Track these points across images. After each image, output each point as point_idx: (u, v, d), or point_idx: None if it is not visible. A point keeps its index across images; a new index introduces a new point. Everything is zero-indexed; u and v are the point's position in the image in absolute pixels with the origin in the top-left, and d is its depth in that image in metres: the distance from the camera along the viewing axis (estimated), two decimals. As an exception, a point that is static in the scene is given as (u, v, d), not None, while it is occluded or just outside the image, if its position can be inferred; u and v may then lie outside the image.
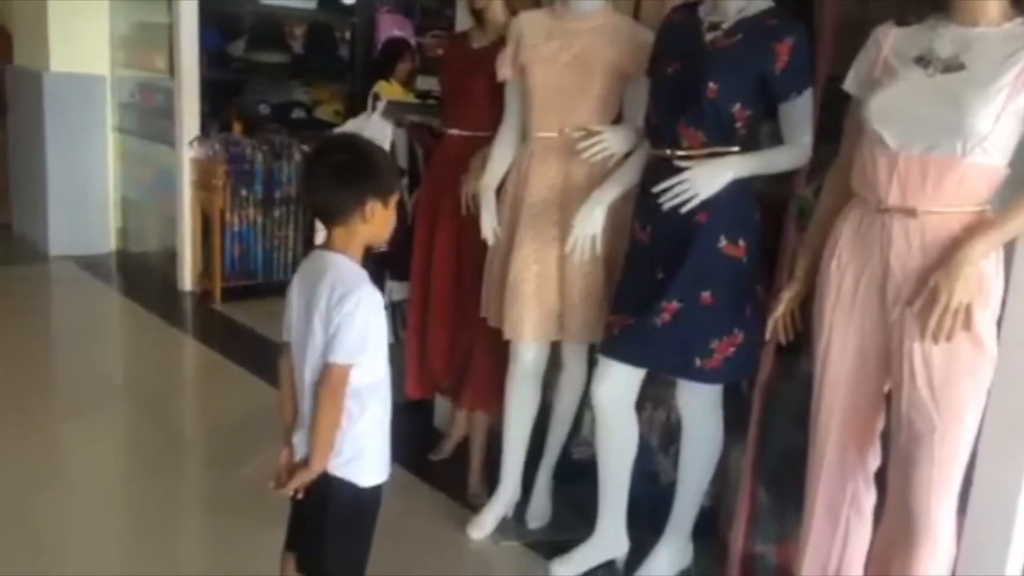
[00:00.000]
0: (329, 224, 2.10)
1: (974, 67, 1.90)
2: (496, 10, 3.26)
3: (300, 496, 2.08)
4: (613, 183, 2.70)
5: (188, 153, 5.66)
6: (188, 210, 5.75)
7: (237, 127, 5.89)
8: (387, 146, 3.71)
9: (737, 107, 2.40)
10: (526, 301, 2.87)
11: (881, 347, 2.08)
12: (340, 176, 2.05)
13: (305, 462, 2.08)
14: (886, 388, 2.13)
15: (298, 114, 6.29)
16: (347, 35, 6.43)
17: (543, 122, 2.87)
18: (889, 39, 2.07)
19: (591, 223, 2.67)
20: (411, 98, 5.63)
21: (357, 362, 2.03)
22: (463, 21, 3.61)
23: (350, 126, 3.94)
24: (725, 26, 2.43)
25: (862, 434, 2.17)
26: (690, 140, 2.45)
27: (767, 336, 2.35)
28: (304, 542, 2.13)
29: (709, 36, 2.45)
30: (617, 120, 2.86)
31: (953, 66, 1.92)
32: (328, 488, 2.05)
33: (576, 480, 3.26)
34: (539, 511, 3.17)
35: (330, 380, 2.02)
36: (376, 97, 3.87)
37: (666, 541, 2.81)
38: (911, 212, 1.97)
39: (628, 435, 2.72)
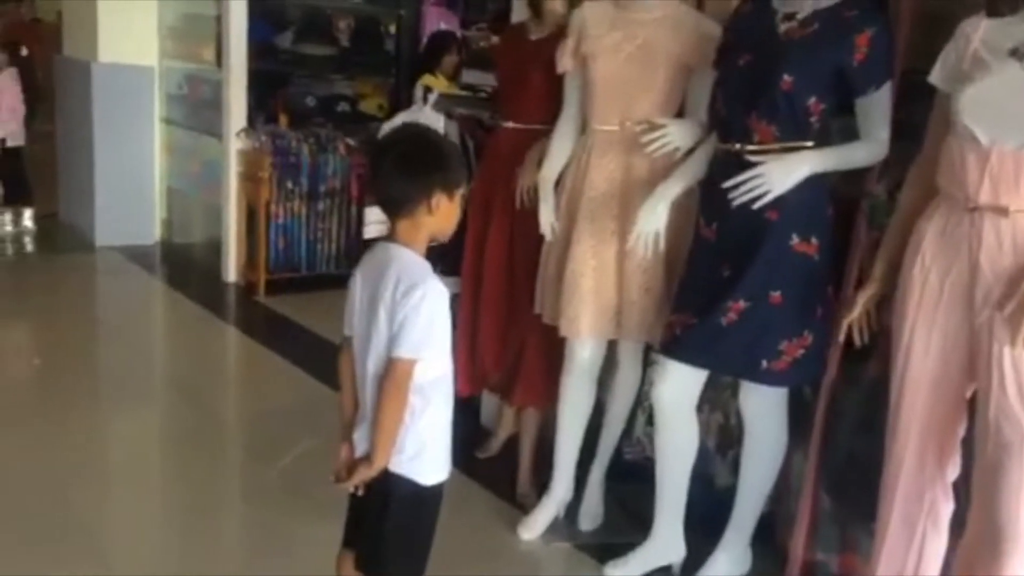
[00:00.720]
0: (394, 216, 2.06)
1: None
2: (555, 3, 3.20)
3: (360, 493, 2.03)
4: (677, 178, 2.63)
5: (235, 145, 5.66)
6: (234, 202, 5.74)
7: (283, 119, 5.88)
8: (439, 139, 3.67)
9: (812, 100, 2.32)
10: (584, 297, 2.80)
11: (966, 350, 2.00)
12: (407, 167, 2.00)
13: (366, 458, 2.03)
14: (969, 393, 2.05)
15: (343, 107, 6.26)
16: (393, 28, 6.39)
17: (604, 114, 2.80)
18: (979, 31, 1.98)
19: (654, 219, 2.60)
20: (458, 92, 5.61)
21: (422, 357, 1.98)
22: (520, 12, 3.55)
23: (402, 118, 3.90)
24: (800, 16, 2.35)
25: (942, 441, 2.09)
26: (762, 134, 2.37)
27: (840, 338, 2.27)
28: (363, 540, 2.08)
29: (783, 27, 2.37)
30: (680, 113, 2.79)
31: None
32: (389, 485, 2.00)
33: (628, 481, 3.19)
34: (591, 512, 3.11)
35: (395, 375, 1.98)
36: (428, 90, 3.82)
37: (725, 546, 2.74)
38: (1003, 211, 1.88)
39: (688, 437, 2.64)
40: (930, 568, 2.17)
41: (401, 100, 6.41)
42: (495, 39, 6.51)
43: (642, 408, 3.21)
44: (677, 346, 2.52)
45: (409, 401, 2.00)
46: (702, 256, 2.54)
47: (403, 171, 2.01)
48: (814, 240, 2.37)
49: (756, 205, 2.32)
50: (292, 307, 5.45)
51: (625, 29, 2.77)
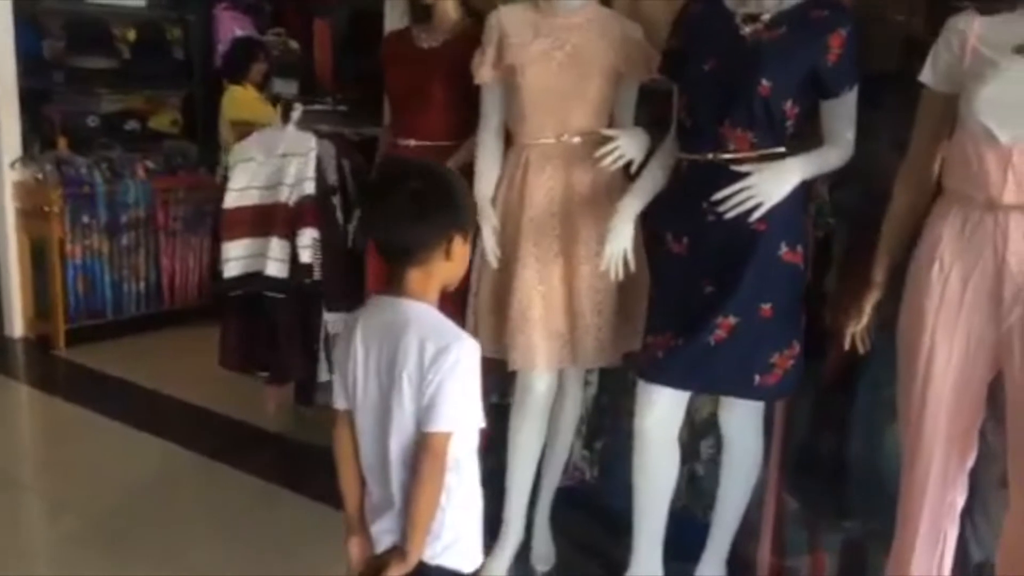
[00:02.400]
0: (402, 264, 1.75)
1: None
2: (448, 7, 2.94)
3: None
4: (637, 192, 2.47)
5: (10, 176, 4.87)
6: (13, 243, 4.96)
7: (63, 143, 5.13)
8: (311, 161, 3.30)
9: (788, 104, 2.24)
10: (535, 326, 2.59)
11: (991, 351, 1.99)
12: (420, 207, 1.71)
13: (396, 551, 1.73)
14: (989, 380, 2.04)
15: (132, 125, 5.58)
16: (180, 35, 5.77)
17: (538, 127, 2.60)
18: (974, 28, 1.97)
19: (622, 238, 2.43)
20: (265, 103, 5.15)
21: (460, 429, 1.70)
22: (393, 19, 3.25)
23: (258, 139, 3.48)
24: (765, 18, 2.26)
25: (965, 440, 2.08)
26: (737, 142, 2.26)
27: (846, 346, 2.22)
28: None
29: (747, 29, 2.27)
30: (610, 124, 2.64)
31: None
32: (425, 582, 1.71)
33: (571, 510, 3.02)
34: (543, 553, 2.90)
35: (432, 453, 1.69)
36: (288, 105, 3.41)
37: (705, 566, 2.64)
38: None
39: (672, 465, 2.50)
40: (949, 559, 2.17)
41: (197, 113, 5.84)
42: (294, 44, 6.10)
43: (578, 433, 3.05)
44: (661, 370, 2.37)
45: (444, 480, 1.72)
46: (673, 273, 2.40)
47: (417, 212, 1.71)
48: (799, 248, 2.30)
49: (753, 217, 2.21)
50: (100, 357, 4.80)
51: (552, 35, 2.58)
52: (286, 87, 5.75)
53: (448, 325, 1.75)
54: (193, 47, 5.73)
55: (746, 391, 2.37)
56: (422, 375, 1.69)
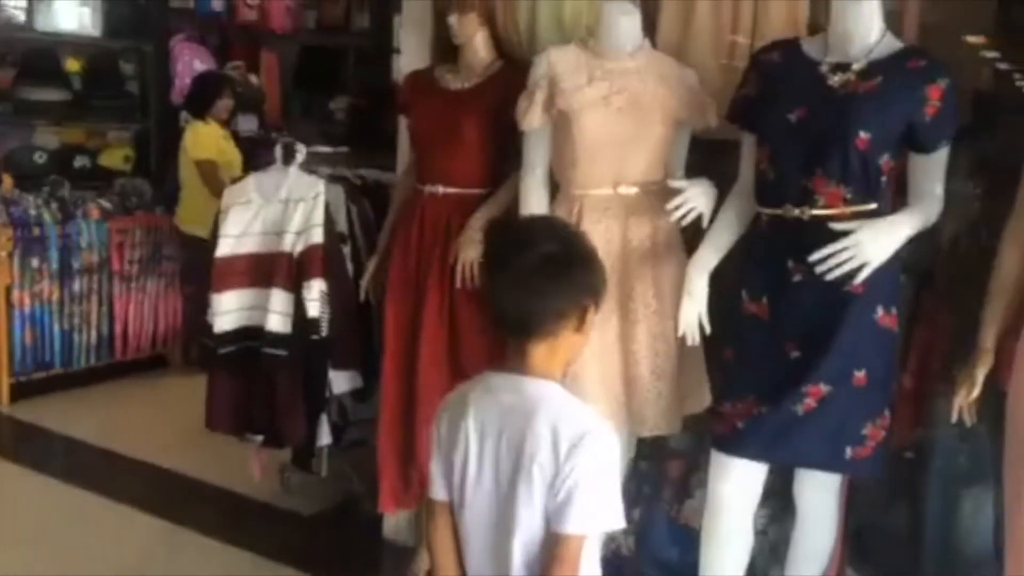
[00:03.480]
0: (527, 338, 1.54)
1: None
2: (479, 47, 2.75)
3: None
4: (711, 248, 2.31)
5: (-49, 217, 4.46)
6: (-47, 290, 4.52)
7: (7, 181, 4.73)
8: (320, 207, 3.05)
9: (885, 158, 2.12)
10: (591, 389, 2.39)
11: None
12: (555, 274, 1.51)
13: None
14: None
15: (82, 162, 5.19)
16: (135, 68, 5.42)
17: (593, 177, 2.43)
18: None
19: (698, 299, 2.27)
20: (229, 140, 4.87)
21: (601, 528, 1.49)
22: (410, 57, 3.03)
23: (255, 182, 3.20)
24: (856, 67, 2.13)
25: None
26: (829, 197, 2.12)
27: (953, 419, 2.08)
28: None
29: (837, 79, 2.14)
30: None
31: None
32: None
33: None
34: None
35: (567, 557, 1.49)
36: (289, 147, 3.15)
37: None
38: None
39: (745, 539, 2.32)
40: None
41: (151, 150, 5.49)
42: (253, 78, 5.83)
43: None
44: (742, 442, 2.20)
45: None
46: (753, 336, 2.23)
47: (552, 279, 1.51)
48: (893, 311, 2.16)
49: (858, 280, 2.06)
50: (47, 413, 4.41)
51: (609, 80, 2.42)
52: (246, 123, 5.48)
53: (582, 408, 1.54)
54: (149, 80, 5.38)
55: (837, 465, 2.21)
56: (557, 467, 1.48)
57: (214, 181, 4.42)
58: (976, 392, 2.06)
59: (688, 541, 2.64)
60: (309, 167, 3.23)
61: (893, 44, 2.16)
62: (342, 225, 3.10)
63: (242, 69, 5.65)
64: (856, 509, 2.55)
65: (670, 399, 2.44)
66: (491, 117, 2.68)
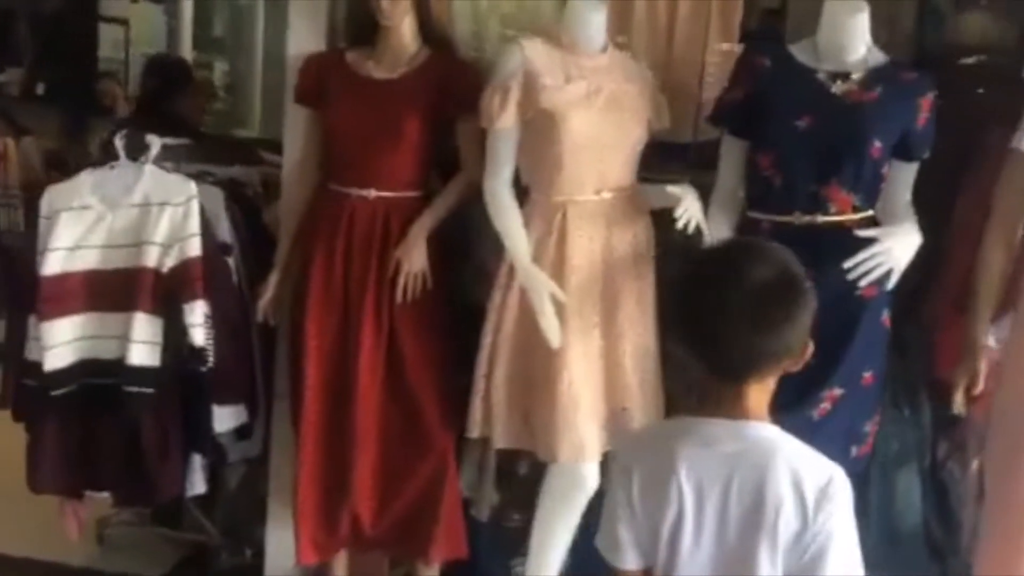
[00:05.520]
0: (748, 379, 1.37)
1: None
2: (406, 33, 2.44)
3: None
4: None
5: None
6: None
7: None
8: (193, 213, 2.54)
9: (887, 166, 2.20)
10: (587, 411, 2.25)
11: None
12: (783, 304, 1.36)
13: None
14: None
15: None
16: None
17: (578, 181, 2.28)
18: None
19: None
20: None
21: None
22: (305, 38, 2.60)
23: (91, 182, 2.58)
24: (857, 77, 2.18)
25: None
26: (840, 203, 2.16)
27: (956, 411, 2.22)
28: None
29: (839, 87, 2.18)
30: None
31: None
32: None
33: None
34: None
35: None
36: (136, 139, 2.57)
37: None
38: None
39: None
40: None
41: None
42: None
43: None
44: (761, 451, 2.17)
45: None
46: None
47: (782, 311, 1.36)
48: (888, 312, 2.25)
49: (890, 285, 2.12)
50: None
51: (585, 78, 2.27)
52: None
53: (813, 451, 1.41)
54: None
55: (846, 465, 2.22)
56: (805, 520, 1.34)
57: None
58: (981, 385, 2.21)
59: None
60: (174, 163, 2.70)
61: (879, 54, 2.24)
62: (224, 234, 2.61)
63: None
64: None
65: (655, 410, 2.36)
66: (428, 112, 2.40)
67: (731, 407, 1.39)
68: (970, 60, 2.46)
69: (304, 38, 2.60)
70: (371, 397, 2.42)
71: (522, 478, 2.71)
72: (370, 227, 2.41)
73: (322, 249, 2.44)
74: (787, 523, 1.34)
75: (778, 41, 2.34)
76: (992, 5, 2.56)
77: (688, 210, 2.23)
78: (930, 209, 2.30)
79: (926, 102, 2.20)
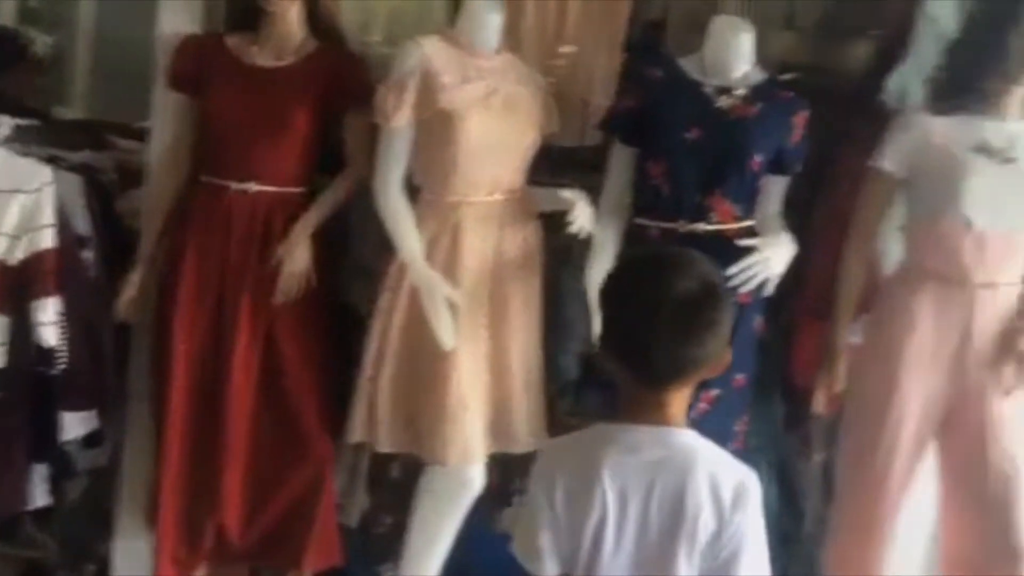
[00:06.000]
0: (672, 386, 1.41)
1: (1021, 159, 2.24)
2: (293, 21, 2.35)
3: None
4: (604, 263, 2.27)
5: None
6: None
7: None
8: (47, 202, 2.34)
9: (764, 179, 2.31)
10: (474, 412, 2.24)
11: (943, 410, 2.28)
12: (707, 313, 1.39)
13: None
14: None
15: None
16: None
17: (474, 183, 2.27)
18: (937, 128, 2.25)
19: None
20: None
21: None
22: (174, 23, 2.42)
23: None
24: (739, 93, 2.28)
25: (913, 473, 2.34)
26: (722, 213, 2.25)
27: (817, 410, 2.36)
28: None
29: (724, 102, 2.27)
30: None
31: (1008, 158, 2.23)
32: None
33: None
34: None
35: None
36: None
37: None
38: (993, 285, 2.23)
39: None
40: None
41: None
42: None
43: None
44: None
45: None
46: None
47: (706, 320, 1.39)
48: (761, 318, 2.37)
49: (767, 291, 2.22)
50: None
51: (482, 79, 2.27)
52: None
53: (727, 454, 1.46)
54: None
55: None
56: (722, 523, 1.38)
57: None
58: (841, 386, 2.36)
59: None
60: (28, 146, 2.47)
61: (759, 72, 2.34)
62: (82, 226, 2.41)
63: None
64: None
65: (538, 412, 2.38)
66: (315, 104, 2.32)
67: (654, 414, 1.41)
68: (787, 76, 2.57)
69: (176, 18, 2.44)
70: (243, 401, 2.31)
71: (393, 481, 2.68)
72: (250, 223, 2.30)
73: (194, 245, 2.30)
74: (705, 525, 1.37)
75: (659, 52, 2.41)
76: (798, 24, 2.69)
77: (580, 215, 2.26)
78: (788, 222, 2.45)
79: (800, 119, 2.33)
